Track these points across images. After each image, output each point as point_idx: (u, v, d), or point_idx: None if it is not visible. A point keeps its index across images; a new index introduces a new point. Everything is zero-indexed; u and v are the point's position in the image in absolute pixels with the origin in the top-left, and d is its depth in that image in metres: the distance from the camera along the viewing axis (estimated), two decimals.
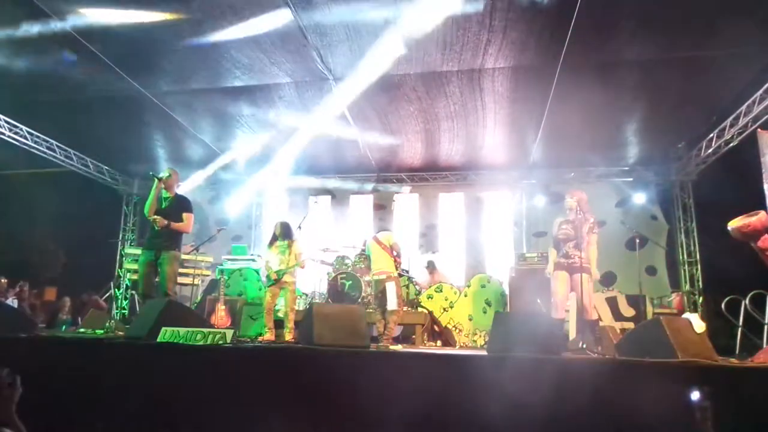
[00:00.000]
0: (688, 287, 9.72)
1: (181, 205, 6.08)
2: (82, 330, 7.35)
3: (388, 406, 3.50)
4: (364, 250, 8.58)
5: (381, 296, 6.79)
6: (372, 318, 7.02)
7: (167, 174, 6.08)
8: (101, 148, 10.30)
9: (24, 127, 9.08)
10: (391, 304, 6.61)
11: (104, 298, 10.33)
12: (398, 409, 3.46)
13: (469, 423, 3.43)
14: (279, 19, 6.00)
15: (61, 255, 12.43)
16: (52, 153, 9.75)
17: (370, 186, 11.44)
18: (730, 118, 7.93)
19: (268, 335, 6.50)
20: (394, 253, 6.93)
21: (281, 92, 7.76)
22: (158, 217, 5.80)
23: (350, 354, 4.18)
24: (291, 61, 6.91)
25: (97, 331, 7.03)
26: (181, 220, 5.94)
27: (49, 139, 9.60)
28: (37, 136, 9.37)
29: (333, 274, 8.59)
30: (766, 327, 6.53)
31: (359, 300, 8.22)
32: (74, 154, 10.27)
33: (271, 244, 6.97)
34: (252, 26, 6.16)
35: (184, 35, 6.38)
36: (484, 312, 8.20)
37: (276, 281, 6.66)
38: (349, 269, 8.63)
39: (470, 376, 3.66)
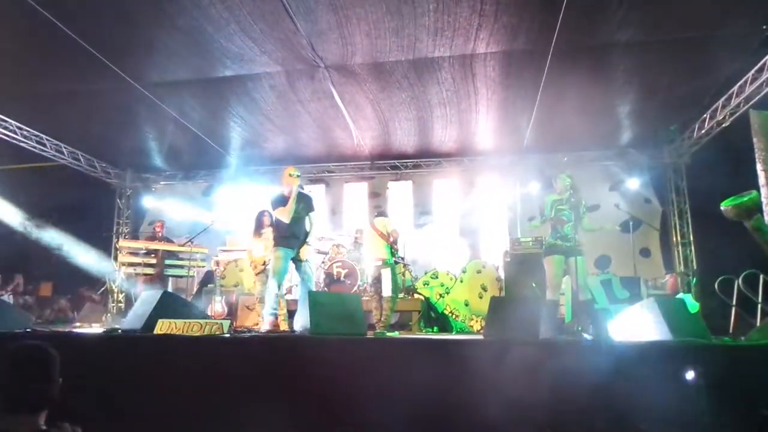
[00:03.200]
0: (681, 268, 9.78)
1: None
2: (78, 324, 7.34)
3: (386, 393, 3.52)
4: (359, 237, 8.60)
5: (377, 283, 6.80)
6: (369, 306, 7.04)
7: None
8: (92, 142, 10.21)
9: (13, 122, 8.99)
10: (386, 290, 6.63)
11: (100, 292, 10.31)
12: (396, 395, 3.48)
13: (466, 407, 3.45)
14: (268, 6, 5.94)
15: (55, 250, 12.37)
16: (42, 147, 9.66)
17: (363, 174, 11.43)
18: (722, 99, 7.93)
19: (261, 324, 6.50)
20: (391, 240, 6.93)
21: (272, 81, 7.71)
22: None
23: (347, 342, 4.19)
24: (281, 49, 6.85)
25: (93, 324, 7.03)
26: None
27: (39, 134, 9.51)
28: (26, 131, 9.27)
29: (328, 263, 8.60)
30: (759, 306, 6.59)
31: (355, 288, 8.24)
32: (65, 148, 10.18)
33: (256, 232, 6.98)
34: (241, 14, 6.11)
35: (173, 25, 6.31)
36: (480, 297, 8.24)
37: (263, 269, 6.69)
38: (345, 257, 8.63)
39: (467, 361, 3.68)
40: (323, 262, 8.80)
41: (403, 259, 8.65)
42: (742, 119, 7.53)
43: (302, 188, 6.08)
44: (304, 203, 6.05)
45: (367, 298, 7.44)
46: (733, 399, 3.14)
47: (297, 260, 5.96)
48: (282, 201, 5.88)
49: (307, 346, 4.10)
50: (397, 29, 6.38)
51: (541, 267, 6.26)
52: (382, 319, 6.67)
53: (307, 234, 6.07)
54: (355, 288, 8.26)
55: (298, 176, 5.99)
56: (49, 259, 11.49)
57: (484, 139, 9.97)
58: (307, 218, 6.08)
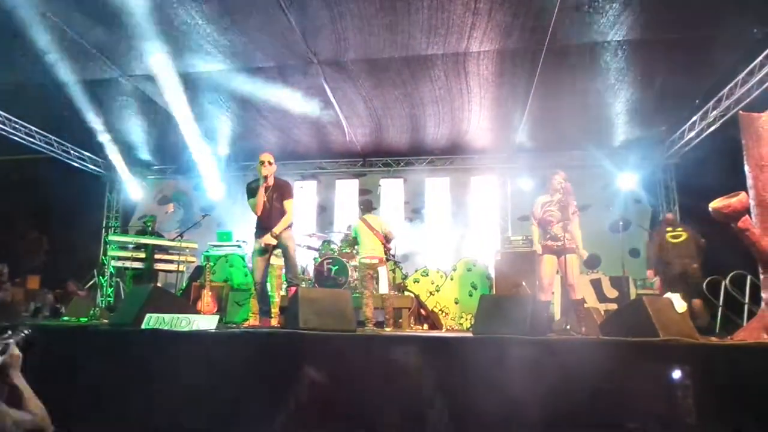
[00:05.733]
0: None
1: None
2: (65, 318, 7.28)
3: (376, 389, 3.52)
4: (349, 233, 8.59)
5: (370, 280, 6.80)
6: (358, 302, 7.03)
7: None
8: (82, 135, 10.12)
9: (2, 113, 8.89)
10: (383, 287, 6.65)
11: (88, 285, 10.22)
12: (386, 391, 3.48)
13: (454, 403, 3.46)
14: (262, 1, 5.92)
15: (44, 243, 12.25)
16: (31, 139, 9.57)
17: (355, 171, 11.42)
18: (713, 101, 7.99)
19: (253, 320, 6.48)
20: (389, 244, 6.99)
21: (265, 76, 7.67)
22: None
23: (337, 338, 4.19)
24: (274, 44, 6.82)
25: (81, 318, 6.98)
26: None
27: (28, 125, 9.42)
28: (15, 122, 9.19)
29: (319, 259, 8.59)
30: (745, 306, 6.66)
31: (345, 284, 8.22)
32: (55, 141, 10.09)
33: None
34: (234, 9, 6.08)
35: (166, 18, 6.27)
36: (470, 295, 8.27)
37: None
38: (335, 254, 8.61)
39: (456, 358, 3.68)
40: (314, 259, 8.78)
41: (394, 256, 8.66)
42: (732, 121, 7.57)
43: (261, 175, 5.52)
44: (279, 192, 5.59)
45: (357, 295, 7.43)
46: (718, 397, 3.16)
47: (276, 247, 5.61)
48: (254, 191, 5.53)
49: (296, 342, 4.09)
50: (390, 26, 6.38)
51: (532, 265, 6.30)
52: (387, 317, 6.76)
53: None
54: (346, 285, 8.24)
55: (270, 163, 5.51)
56: (37, 253, 11.40)
57: (476, 138, 9.99)
58: (282, 207, 5.58)
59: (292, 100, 8.40)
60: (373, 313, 6.83)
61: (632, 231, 9.70)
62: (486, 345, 3.73)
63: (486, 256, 9.26)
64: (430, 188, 11.18)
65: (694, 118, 8.61)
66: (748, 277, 6.68)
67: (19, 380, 2.23)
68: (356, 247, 7.10)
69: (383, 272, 6.72)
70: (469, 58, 7.11)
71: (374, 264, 6.76)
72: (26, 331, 2.38)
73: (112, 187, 11.98)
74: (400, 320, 7.87)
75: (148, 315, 4.45)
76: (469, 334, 5.03)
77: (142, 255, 8.52)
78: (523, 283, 7.47)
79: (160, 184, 12.05)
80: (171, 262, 8.72)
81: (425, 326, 8.02)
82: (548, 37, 6.46)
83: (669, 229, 7.54)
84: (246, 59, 7.19)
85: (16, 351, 2.25)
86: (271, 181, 5.56)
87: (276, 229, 5.44)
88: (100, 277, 10.66)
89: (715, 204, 4.95)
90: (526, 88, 7.79)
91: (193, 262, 9.29)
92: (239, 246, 9.47)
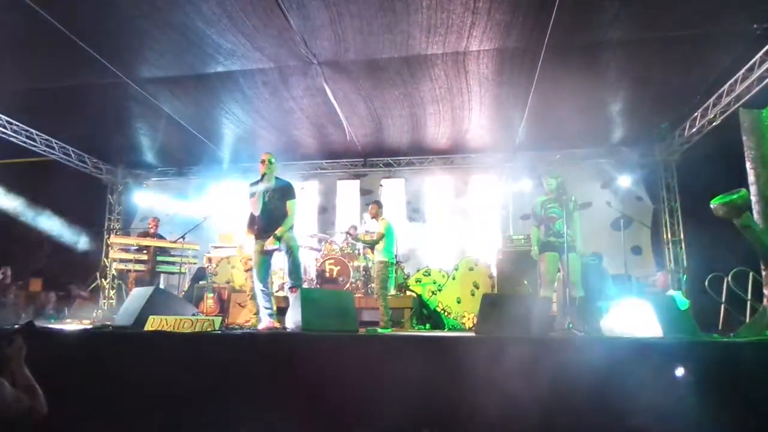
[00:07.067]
0: (672, 266, 9.84)
1: None
2: (68, 320, 7.30)
3: (379, 389, 3.52)
4: (351, 233, 8.59)
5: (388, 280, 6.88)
6: (376, 303, 7.12)
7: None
8: (83, 137, 10.13)
9: (3, 117, 8.90)
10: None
11: (90, 288, 10.24)
12: (388, 391, 3.48)
13: (458, 404, 3.46)
14: (260, 2, 5.91)
15: (45, 245, 12.27)
16: (32, 142, 9.57)
17: (356, 171, 11.42)
18: (713, 98, 7.97)
19: (254, 321, 6.48)
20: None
21: (264, 77, 7.67)
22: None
23: (339, 339, 4.19)
24: (274, 46, 6.82)
25: (84, 321, 7.00)
26: None
27: (29, 129, 9.43)
28: (17, 126, 9.19)
29: (321, 260, 8.59)
30: (748, 303, 6.63)
31: (347, 285, 8.23)
32: (56, 143, 10.10)
33: (249, 227, 6.91)
34: (233, 10, 6.08)
35: (165, 21, 6.27)
36: (473, 294, 8.25)
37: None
38: (338, 255, 8.62)
39: (459, 358, 3.69)
40: (316, 259, 8.78)
41: (396, 256, 8.66)
42: (733, 118, 7.56)
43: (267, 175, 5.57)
44: (280, 193, 5.60)
45: (359, 295, 7.44)
46: (721, 394, 3.16)
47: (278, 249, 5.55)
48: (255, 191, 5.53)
49: (298, 343, 4.09)
50: (390, 26, 6.37)
51: (533, 264, 6.30)
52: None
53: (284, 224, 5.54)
54: (348, 285, 8.25)
55: (271, 162, 5.58)
56: (39, 255, 11.42)
57: (476, 137, 9.98)
58: (283, 208, 5.58)
59: (292, 101, 8.40)
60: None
61: (634, 229, 9.69)
62: (489, 344, 3.73)
63: (488, 256, 9.25)
64: (431, 188, 11.18)
65: (695, 115, 8.60)
66: (750, 274, 6.66)
67: (22, 368, 2.62)
68: (383, 244, 7.12)
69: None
70: (469, 57, 7.11)
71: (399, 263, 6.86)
72: (27, 323, 2.76)
73: (114, 189, 11.99)
74: (402, 320, 7.88)
75: (150, 317, 4.47)
76: (472, 334, 5.04)
77: (144, 257, 8.52)
78: (525, 282, 7.47)
79: (162, 186, 12.05)
80: (173, 263, 8.74)
81: (427, 326, 8.02)
82: (548, 36, 6.45)
83: None
84: (245, 60, 7.18)
85: (21, 342, 2.65)
86: (271, 181, 5.56)
87: (279, 231, 5.43)
88: (103, 280, 10.67)
89: (716, 201, 4.95)
90: (526, 86, 7.78)
91: (194, 263, 9.30)
92: (241, 247, 9.47)
